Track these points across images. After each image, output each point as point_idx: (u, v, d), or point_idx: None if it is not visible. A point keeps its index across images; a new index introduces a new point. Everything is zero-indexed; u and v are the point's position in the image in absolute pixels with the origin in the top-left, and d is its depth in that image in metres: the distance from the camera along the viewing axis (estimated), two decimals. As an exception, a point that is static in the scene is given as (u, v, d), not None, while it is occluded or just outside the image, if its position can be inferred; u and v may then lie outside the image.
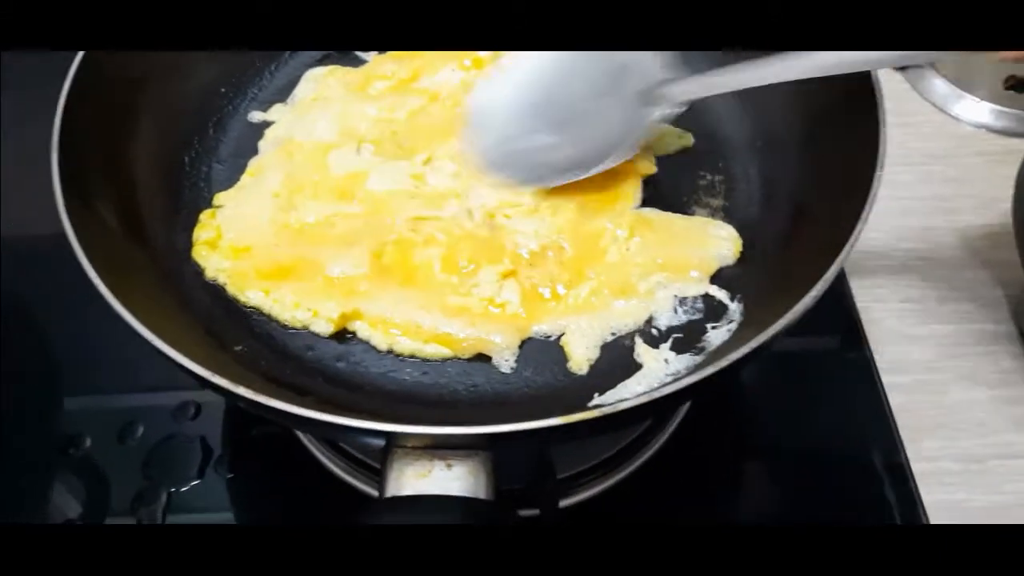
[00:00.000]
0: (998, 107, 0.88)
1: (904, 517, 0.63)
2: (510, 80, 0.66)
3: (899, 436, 0.68)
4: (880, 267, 0.78)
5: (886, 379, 0.71)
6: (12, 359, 0.72)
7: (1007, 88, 0.86)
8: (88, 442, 0.67)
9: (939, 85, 0.91)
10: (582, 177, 0.62)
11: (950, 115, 0.90)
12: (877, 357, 0.72)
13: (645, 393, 0.47)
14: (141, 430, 0.68)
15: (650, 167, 0.65)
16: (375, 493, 0.59)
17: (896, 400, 0.70)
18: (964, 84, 0.89)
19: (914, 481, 0.65)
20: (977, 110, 0.89)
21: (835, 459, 0.68)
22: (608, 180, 0.63)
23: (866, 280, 0.77)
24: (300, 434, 0.67)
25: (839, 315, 0.74)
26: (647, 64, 0.60)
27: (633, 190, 0.63)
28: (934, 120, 0.90)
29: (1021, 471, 0.66)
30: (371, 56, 0.74)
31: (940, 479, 0.66)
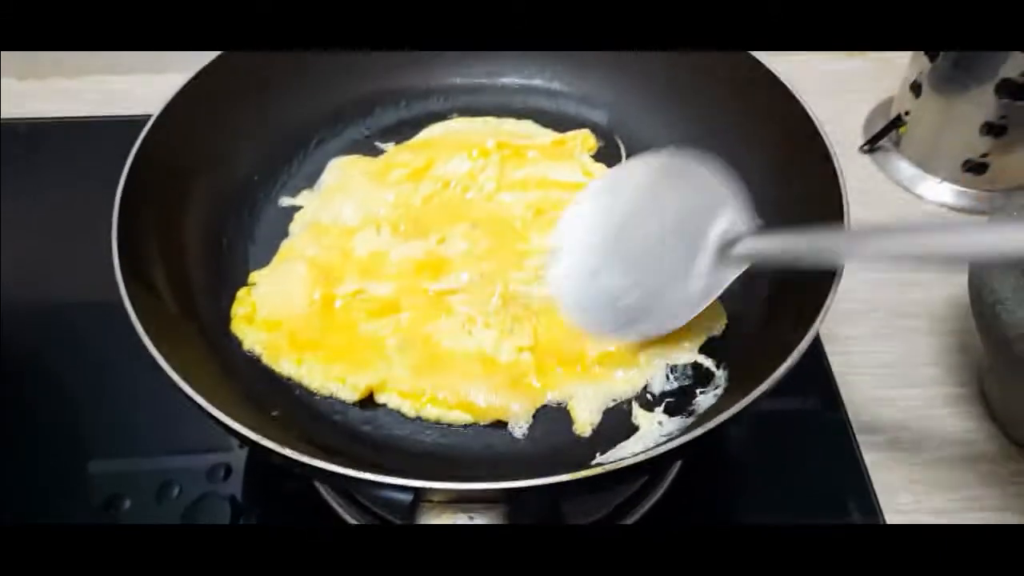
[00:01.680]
0: (958, 187, 0.96)
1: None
2: (585, 216, 0.68)
3: (873, 491, 0.73)
4: (854, 335, 0.85)
5: (861, 438, 0.77)
6: (54, 423, 0.77)
7: (965, 170, 0.94)
8: (127, 503, 0.72)
9: (904, 167, 0.99)
10: (655, 335, 0.63)
11: (914, 194, 0.98)
12: (852, 418, 0.78)
13: (642, 452, 0.54)
14: (177, 491, 0.73)
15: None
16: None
17: (871, 458, 0.76)
18: (926, 166, 0.97)
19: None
20: (938, 190, 0.97)
21: (813, 510, 0.74)
22: None
23: (840, 347, 0.83)
24: (325, 493, 0.72)
25: (817, 380, 0.80)
26: (726, 214, 0.60)
27: None
28: (900, 198, 0.98)
29: (989, 523, 0.72)
30: (390, 147, 0.82)
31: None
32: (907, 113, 0.97)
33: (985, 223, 0.50)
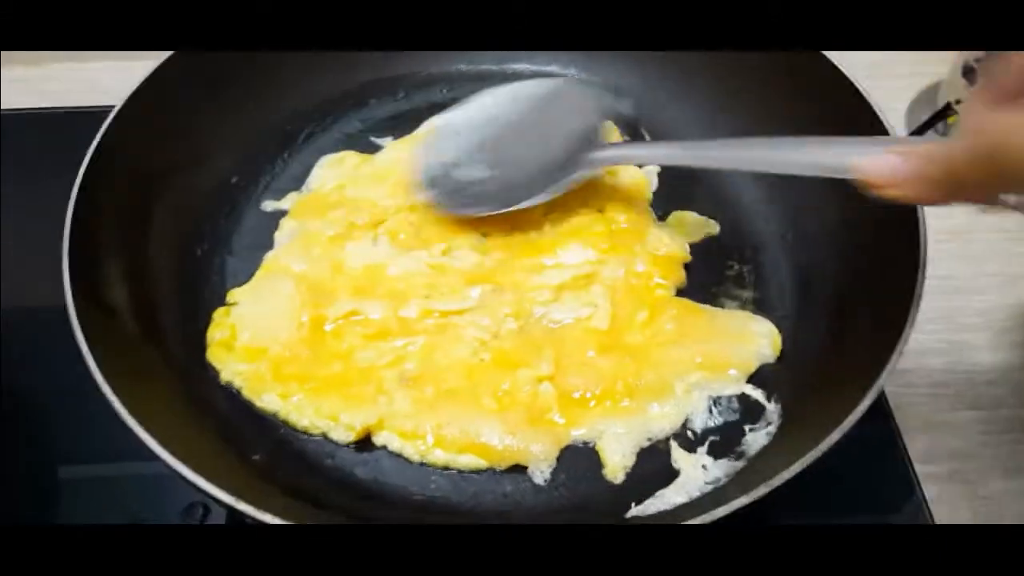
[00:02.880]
0: (1014, 183, 0.87)
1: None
2: (469, 115, 0.70)
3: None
4: (906, 350, 0.76)
5: (920, 469, 0.69)
6: (10, 458, 0.69)
7: (1023, 164, 0.86)
8: (92, 548, 0.64)
9: (951, 159, 0.90)
10: (496, 212, 0.64)
11: (964, 190, 0.89)
12: (908, 445, 0.70)
13: (687, 505, 0.45)
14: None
15: (686, 254, 0.63)
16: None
17: (931, 491, 0.68)
18: (978, 159, 0.89)
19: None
20: (992, 185, 0.88)
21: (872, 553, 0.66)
22: (651, 265, 0.63)
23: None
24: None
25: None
26: (586, 131, 0.66)
27: (676, 277, 0.63)
28: (948, 195, 0.89)
29: (1065, 568, 0.64)
30: (387, 141, 0.73)
31: (983, 579, 0.63)
32: (958, 102, 0.88)
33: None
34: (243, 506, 0.43)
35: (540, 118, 0.69)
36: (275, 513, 0.43)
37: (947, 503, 0.67)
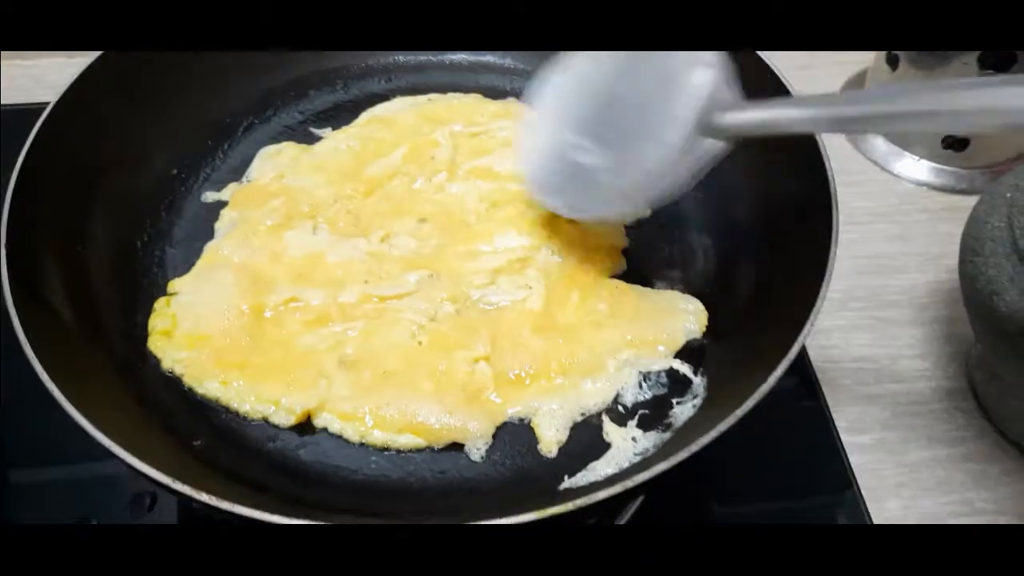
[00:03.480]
0: (937, 165, 0.91)
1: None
2: (560, 89, 0.64)
3: (862, 496, 0.68)
4: (832, 327, 0.80)
5: (846, 439, 0.72)
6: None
7: (945, 147, 0.89)
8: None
9: (880, 144, 0.93)
10: (629, 212, 0.61)
11: (891, 173, 0.92)
12: (836, 417, 0.73)
13: (617, 475, 0.47)
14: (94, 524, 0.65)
15: (623, 240, 0.65)
16: None
17: (857, 460, 0.71)
18: (903, 143, 0.92)
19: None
20: (917, 168, 0.92)
21: (798, 519, 0.68)
22: (587, 251, 0.64)
23: (819, 340, 0.78)
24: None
25: (795, 375, 0.75)
26: (702, 86, 0.55)
27: (611, 262, 0.65)
28: (877, 179, 0.92)
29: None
30: (326, 132, 0.74)
31: (904, 540, 0.66)
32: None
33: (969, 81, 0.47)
34: (183, 488, 0.44)
35: (637, 79, 0.59)
36: (215, 494, 0.44)
37: (872, 471, 0.70)
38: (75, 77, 0.64)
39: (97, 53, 0.65)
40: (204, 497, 0.44)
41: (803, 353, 0.76)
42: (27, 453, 0.69)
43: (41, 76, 0.99)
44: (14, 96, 0.97)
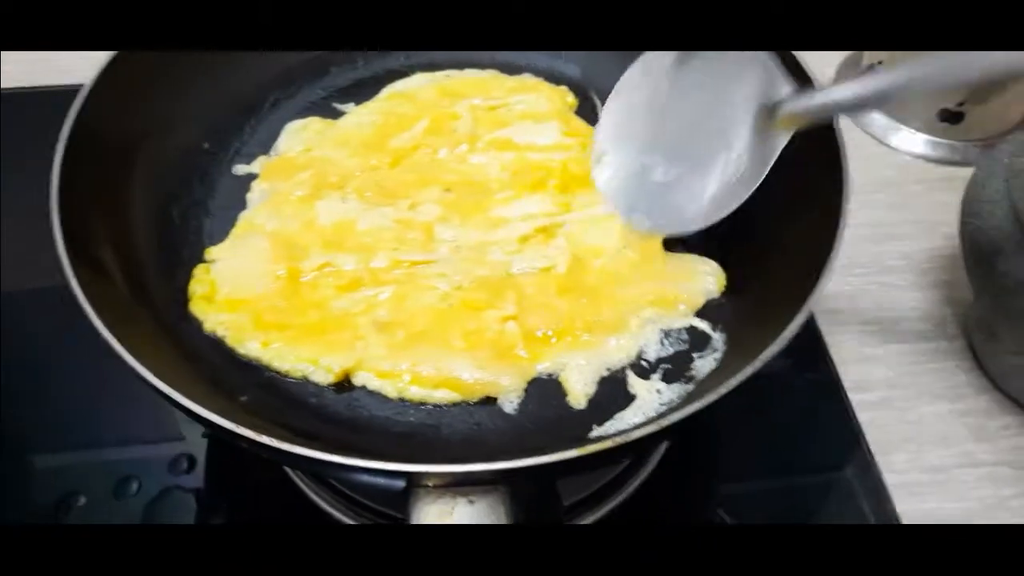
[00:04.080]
0: (933, 138, 0.94)
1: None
2: (622, 110, 0.66)
3: (870, 450, 0.71)
4: (837, 292, 0.83)
5: (853, 397, 0.75)
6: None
7: (941, 120, 0.93)
8: (82, 501, 0.67)
9: (877, 118, 0.97)
10: (716, 219, 0.61)
11: (889, 146, 0.96)
12: (843, 377, 0.76)
13: (642, 425, 0.50)
14: (136, 486, 0.67)
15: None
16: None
17: (864, 417, 0.74)
18: (900, 117, 0.95)
19: (887, 493, 0.69)
20: (913, 141, 0.95)
21: (812, 473, 0.72)
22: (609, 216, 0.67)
23: (825, 304, 0.81)
24: (300, 482, 0.67)
25: (805, 338, 0.78)
26: (762, 80, 0.59)
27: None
28: (875, 152, 0.96)
29: (983, 478, 0.71)
30: (349, 107, 0.77)
31: (911, 490, 0.70)
32: (880, 62, 0.94)
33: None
34: (240, 429, 0.47)
35: (699, 84, 0.61)
36: (274, 436, 0.47)
37: (878, 427, 0.73)
38: (107, 59, 0.65)
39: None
40: (266, 439, 0.47)
41: (810, 316, 0.80)
42: (70, 422, 0.72)
43: (53, 60, 1.01)
44: (31, 79, 0.99)
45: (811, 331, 0.79)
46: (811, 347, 0.78)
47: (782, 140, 0.59)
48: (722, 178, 0.61)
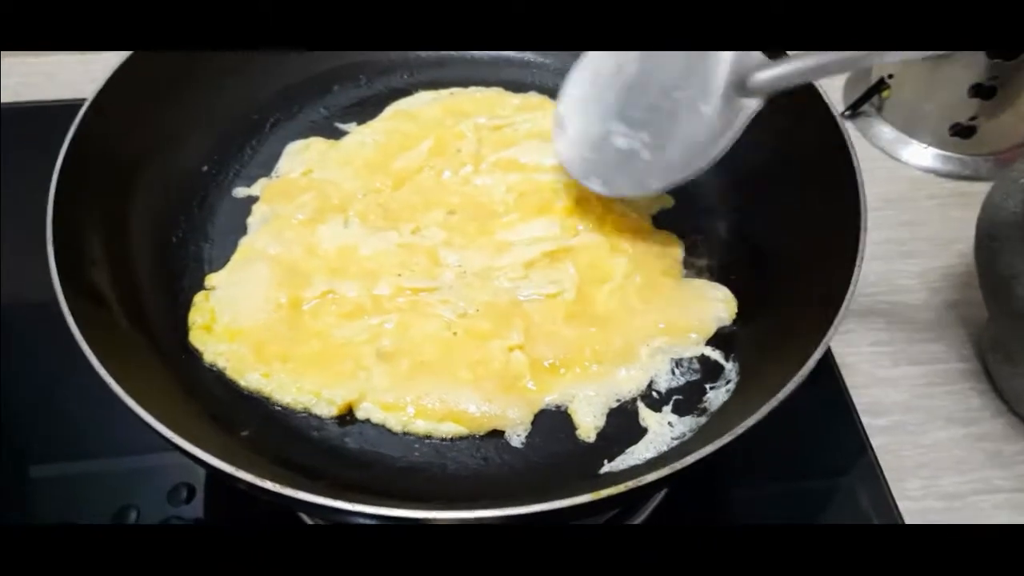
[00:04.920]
0: (944, 152, 0.93)
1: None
2: (587, 80, 0.67)
3: (884, 477, 0.70)
4: (848, 312, 0.81)
5: (866, 421, 0.73)
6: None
7: (952, 134, 0.91)
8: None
9: (886, 132, 0.95)
10: (674, 182, 0.62)
11: (898, 160, 0.94)
12: (855, 400, 0.75)
13: (655, 459, 0.49)
14: (135, 516, 0.66)
15: (650, 227, 0.67)
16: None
17: (877, 441, 0.72)
18: (910, 131, 0.94)
19: (902, 520, 0.68)
20: (924, 155, 0.93)
21: (824, 500, 0.70)
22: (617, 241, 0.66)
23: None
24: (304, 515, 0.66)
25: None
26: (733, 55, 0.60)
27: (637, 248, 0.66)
28: (885, 166, 0.94)
29: (1001, 505, 0.69)
30: (351, 127, 0.75)
31: (926, 517, 0.68)
32: (890, 76, 0.93)
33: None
34: (240, 473, 0.45)
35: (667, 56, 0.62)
36: (270, 479, 0.45)
37: (893, 452, 0.72)
38: (108, 76, 0.64)
39: (122, 55, 0.66)
40: (260, 482, 0.45)
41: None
42: (66, 444, 0.70)
43: (54, 74, 1.00)
44: (29, 93, 0.98)
45: (825, 354, 0.77)
46: (822, 367, 0.76)
47: (753, 107, 0.60)
48: (686, 144, 0.62)
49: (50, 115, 0.88)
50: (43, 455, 0.70)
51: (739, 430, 0.48)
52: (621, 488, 0.45)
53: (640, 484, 0.46)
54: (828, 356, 0.77)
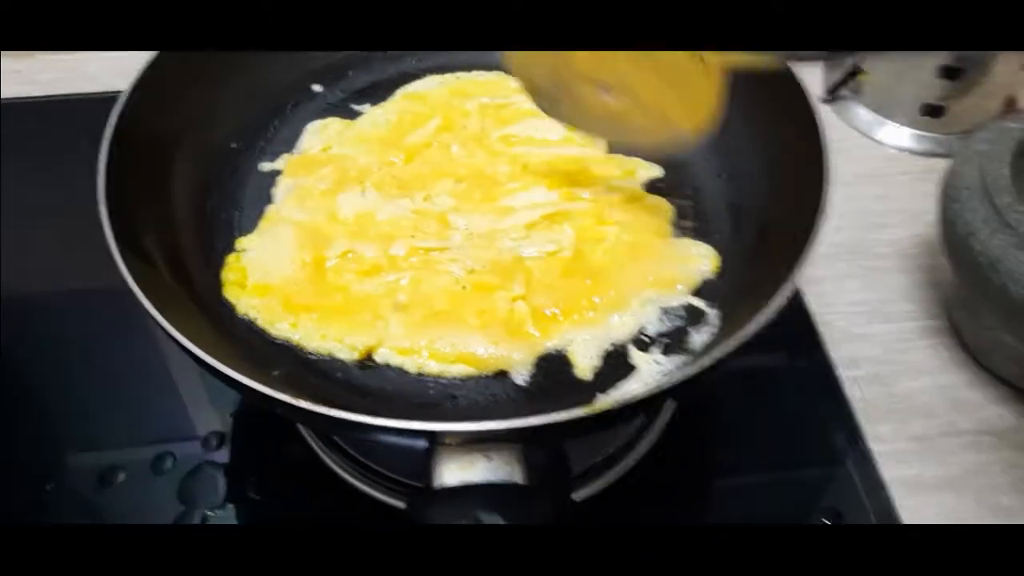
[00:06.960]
0: (917, 131, 0.99)
1: (867, 489, 0.72)
2: None
3: (859, 422, 0.76)
4: (826, 276, 0.88)
5: (843, 373, 0.80)
6: (45, 400, 0.76)
7: (923, 114, 0.98)
8: (122, 476, 0.72)
9: (863, 114, 1.02)
10: None
11: (874, 140, 1.01)
12: (833, 354, 0.81)
13: (644, 390, 0.55)
14: (171, 462, 0.73)
15: (643, 192, 0.74)
16: (401, 506, 0.66)
17: (853, 392, 0.79)
18: (885, 112, 1.00)
19: (874, 460, 0.74)
20: (898, 135, 1.00)
21: (804, 443, 0.76)
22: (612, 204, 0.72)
23: (816, 288, 0.86)
24: (325, 456, 0.72)
25: (799, 320, 0.83)
26: None
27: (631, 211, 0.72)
28: (862, 145, 1.01)
29: (963, 446, 0.75)
30: (366, 108, 0.82)
31: (896, 457, 0.74)
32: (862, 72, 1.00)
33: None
34: (282, 396, 0.52)
35: None
36: (311, 400, 0.52)
37: (866, 400, 0.78)
38: (145, 64, 0.70)
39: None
40: (299, 403, 0.51)
41: (801, 297, 0.85)
42: (111, 402, 0.77)
43: (83, 69, 1.07)
44: (60, 87, 1.05)
45: (803, 313, 0.84)
46: (802, 325, 0.83)
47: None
48: None
49: (82, 107, 0.96)
50: (93, 414, 0.78)
51: (716, 354, 0.54)
52: (612, 403, 0.51)
53: (628, 401, 0.52)
54: (808, 315, 0.84)
